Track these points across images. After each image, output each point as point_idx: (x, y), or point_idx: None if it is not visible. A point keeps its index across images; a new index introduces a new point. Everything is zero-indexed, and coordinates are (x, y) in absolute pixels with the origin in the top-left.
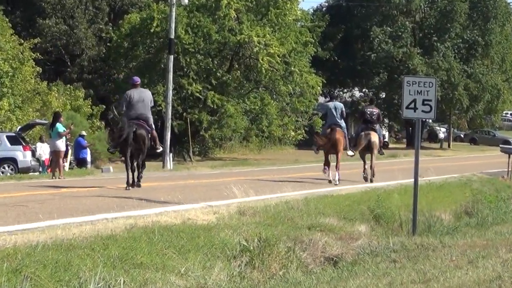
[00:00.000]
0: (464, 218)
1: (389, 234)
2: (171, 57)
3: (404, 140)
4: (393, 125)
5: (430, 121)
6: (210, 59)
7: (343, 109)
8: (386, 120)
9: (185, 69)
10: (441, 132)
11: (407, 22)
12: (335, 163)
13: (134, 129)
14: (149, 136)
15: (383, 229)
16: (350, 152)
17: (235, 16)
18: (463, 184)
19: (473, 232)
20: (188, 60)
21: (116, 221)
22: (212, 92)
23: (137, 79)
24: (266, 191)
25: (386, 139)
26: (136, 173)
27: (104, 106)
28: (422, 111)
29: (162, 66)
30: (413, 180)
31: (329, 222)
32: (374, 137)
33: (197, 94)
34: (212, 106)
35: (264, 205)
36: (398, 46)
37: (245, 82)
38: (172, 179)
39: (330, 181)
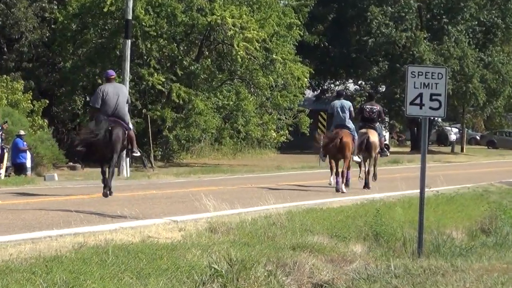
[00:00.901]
0: (480, 236)
1: (389, 255)
2: (128, 42)
3: (408, 143)
4: (395, 125)
5: (440, 120)
6: (175, 45)
7: (352, 108)
8: (386, 119)
9: (145, 57)
10: (453, 133)
11: (411, 1)
12: (341, 170)
13: (110, 127)
14: (126, 136)
15: (383, 250)
16: (356, 158)
17: None
18: (479, 196)
19: (491, 253)
20: (149, 45)
21: (61, 239)
22: (178, 85)
23: (112, 73)
24: (242, 204)
25: (387, 142)
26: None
27: (48, 101)
28: (430, 108)
29: (118, 52)
30: (418, 191)
31: (318, 241)
32: (373, 136)
33: (159, 87)
34: (178, 101)
35: (239, 220)
36: (401, 29)
37: (217, 72)
38: (130, 189)
39: (337, 190)
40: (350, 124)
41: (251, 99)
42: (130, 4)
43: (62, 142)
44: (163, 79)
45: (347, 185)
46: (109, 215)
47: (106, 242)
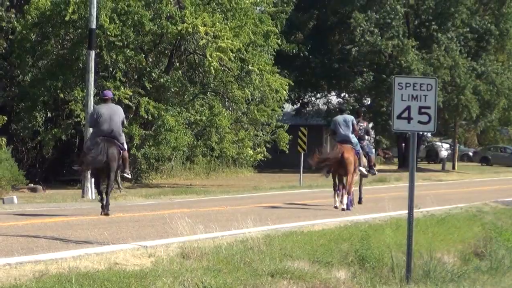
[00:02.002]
0: (473, 260)
1: (376, 282)
2: (92, 53)
3: (395, 160)
4: (381, 141)
5: (429, 135)
6: (143, 56)
7: (354, 122)
8: (372, 134)
9: (111, 69)
10: (444, 149)
11: (398, 6)
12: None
13: (106, 147)
14: (120, 156)
15: (369, 276)
16: (362, 169)
17: None
18: (472, 216)
19: (485, 279)
20: (114, 56)
21: (21, 267)
22: (146, 99)
23: (108, 93)
24: (217, 227)
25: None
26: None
27: (6, 118)
28: (419, 122)
29: (81, 64)
30: (407, 211)
31: (299, 267)
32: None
33: (126, 101)
34: (146, 116)
35: (214, 245)
36: (386, 37)
37: (188, 85)
38: (95, 212)
39: (336, 207)
40: (353, 139)
41: (225, 114)
42: (94, 12)
43: (22, 162)
44: (130, 93)
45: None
46: (73, 241)
47: (70, 269)
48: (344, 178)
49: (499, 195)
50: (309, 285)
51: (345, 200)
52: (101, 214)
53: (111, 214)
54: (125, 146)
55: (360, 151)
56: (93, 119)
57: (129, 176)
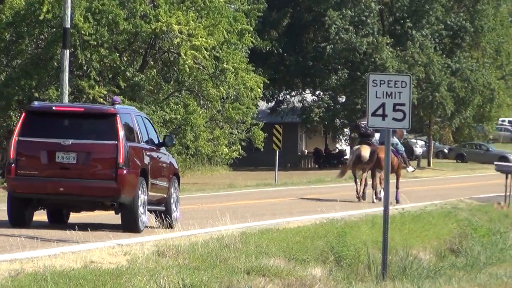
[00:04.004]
0: (449, 257)
1: (352, 278)
2: (67, 52)
3: None
4: (356, 138)
5: (404, 132)
6: (118, 55)
7: None
8: (346, 132)
9: (85, 68)
10: (419, 146)
11: (373, 4)
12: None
13: None
14: None
15: (345, 273)
16: (410, 168)
17: None
18: (447, 213)
19: (460, 275)
20: (89, 56)
21: None
22: (121, 97)
23: (117, 99)
24: (192, 225)
25: (347, 156)
26: None
27: None
28: (393, 119)
29: (55, 64)
30: (382, 209)
31: (274, 264)
32: (364, 151)
33: (101, 100)
34: None
35: (189, 243)
36: (361, 34)
37: (163, 83)
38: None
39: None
40: (394, 139)
41: (200, 112)
42: (68, 11)
43: None
44: (105, 92)
45: (378, 198)
46: (49, 239)
47: (45, 268)
48: (377, 174)
49: (474, 191)
50: (285, 282)
51: (378, 194)
52: None
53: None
54: None
55: (400, 150)
56: None
57: None
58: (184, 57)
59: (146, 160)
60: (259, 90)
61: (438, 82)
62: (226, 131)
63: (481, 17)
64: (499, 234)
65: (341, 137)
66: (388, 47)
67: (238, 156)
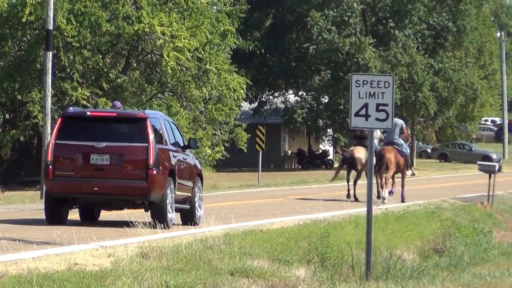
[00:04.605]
0: (432, 257)
1: (336, 279)
2: (49, 54)
3: None
4: (339, 138)
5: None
6: (100, 56)
7: (403, 126)
8: (329, 132)
9: (68, 70)
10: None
11: (355, 4)
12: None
13: None
14: None
15: (329, 273)
16: (409, 172)
17: None
18: (430, 213)
19: (444, 275)
20: (72, 57)
21: None
22: (104, 99)
23: (118, 104)
24: (176, 227)
25: (331, 157)
26: None
27: None
28: (376, 119)
29: (38, 66)
30: (365, 209)
31: (258, 265)
32: (358, 153)
33: (84, 102)
34: None
35: (173, 244)
36: (344, 35)
37: (146, 85)
38: None
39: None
40: (399, 140)
41: (183, 114)
42: (51, 13)
43: None
44: (88, 94)
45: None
46: (32, 241)
47: (29, 270)
48: (384, 174)
49: (458, 191)
50: (269, 283)
51: (386, 193)
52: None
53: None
54: None
55: (406, 152)
56: None
57: None
58: (166, 58)
59: (173, 161)
60: (242, 91)
61: (421, 82)
62: (209, 132)
63: (463, 17)
64: (482, 234)
65: (324, 137)
66: (370, 47)
67: (221, 157)
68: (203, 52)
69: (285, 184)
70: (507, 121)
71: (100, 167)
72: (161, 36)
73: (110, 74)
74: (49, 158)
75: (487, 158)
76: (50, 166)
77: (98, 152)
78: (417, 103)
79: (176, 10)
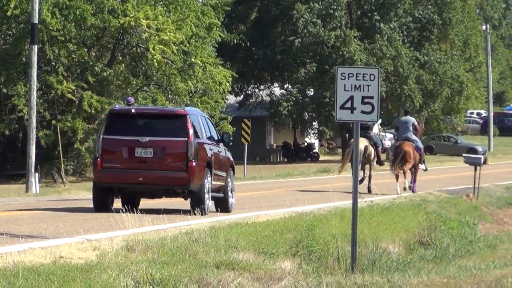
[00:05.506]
0: (418, 249)
1: (321, 271)
2: (35, 47)
3: (339, 151)
4: (324, 131)
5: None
6: (86, 50)
7: (415, 123)
8: (315, 125)
9: (53, 63)
10: (387, 139)
11: None
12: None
13: None
14: None
15: (315, 266)
16: (422, 166)
17: None
18: (416, 206)
19: (430, 267)
20: (57, 51)
21: None
22: (89, 92)
23: (131, 100)
24: (162, 220)
25: (316, 150)
26: None
27: None
28: (362, 111)
29: (24, 59)
30: (351, 201)
31: (244, 258)
32: (361, 144)
33: (69, 95)
34: (90, 110)
35: (158, 237)
36: (329, 28)
37: (131, 78)
38: (39, 206)
39: (406, 189)
40: (412, 136)
41: (169, 107)
42: (36, 6)
43: None
44: (73, 87)
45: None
46: (17, 235)
47: (15, 264)
48: (404, 167)
49: (443, 184)
50: (255, 276)
51: (407, 184)
52: None
53: (55, 207)
54: None
55: (420, 146)
56: None
57: None
58: (152, 51)
59: (210, 154)
60: (227, 84)
61: (406, 74)
62: None
63: (449, 9)
64: (468, 227)
65: (309, 130)
66: (356, 40)
67: None
68: (188, 45)
69: (271, 177)
70: (493, 113)
71: (144, 159)
72: (147, 29)
73: (96, 68)
74: (98, 152)
75: (472, 150)
76: (99, 159)
77: (142, 146)
78: (402, 95)
79: (161, 3)
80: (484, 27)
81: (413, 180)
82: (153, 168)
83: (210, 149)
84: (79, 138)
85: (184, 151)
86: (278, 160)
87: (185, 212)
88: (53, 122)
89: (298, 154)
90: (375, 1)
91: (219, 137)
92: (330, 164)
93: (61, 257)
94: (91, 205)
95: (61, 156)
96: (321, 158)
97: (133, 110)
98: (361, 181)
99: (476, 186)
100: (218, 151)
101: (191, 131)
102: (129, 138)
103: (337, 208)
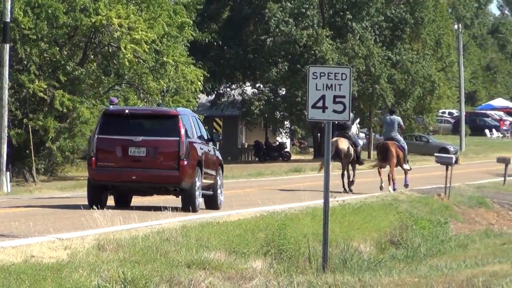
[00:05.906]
0: (389, 249)
1: (292, 271)
2: (7, 46)
3: (311, 150)
4: (296, 130)
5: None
6: (57, 49)
7: (401, 123)
8: (287, 124)
9: (25, 62)
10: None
11: None
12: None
13: None
14: None
15: (286, 265)
16: (406, 166)
17: None
18: (387, 205)
19: (401, 267)
20: (29, 50)
21: None
22: (61, 91)
23: (114, 100)
24: (134, 219)
25: (288, 149)
26: None
27: None
28: (334, 111)
29: None
30: (322, 201)
31: (215, 258)
32: (342, 144)
33: (41, 94)
34: (61, 109)
35: (130, 236)
36: (301, 27)
37: (103, 77)
38: (10, 205)
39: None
40: (397, 136)
41: (140, 106)
42: (8, 5)
43: None
44: (45, 86)
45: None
46: None
47: None
48: (387, 166)
49: (415, 183)
50: (226, 275)
51: (391, 184)
52: None
53: (26, 206)
54: None
55: (405, 146)
56: None
57: None
58: (124, 50)
59: (200, 153)
60: (199, 83)
61: (378, 74)
62: None
63: (421, 8)
64: (439, 226)
65: (281, 129)
66: (328, 39)
67: None
68: (160, 44)
69: (242, 176)
70: (464, 113)
71: (137, 158)
72: (119, 28)
73: (67, 67)
74: (93, 151)
75: (444, 150)
76: (93, 158)
77: (136, 145)
78: (374, 95)
79: (133, 2)
80: (456, 26)
81: (405, 178)
82: (146, 166)
83: (200, 148)
84: (50, 137)
85: (176, 150)
86: (250, 159)
87: (156, 209)
88: (25, 121)
89: (270, 153)
90: (347, 0)
91: (209, 137)
92: (302, 164)
93: (32, 256)
94: (63, 204)
95: (33, 155)
96: (293, 157)
97: (126, 111)
98: (352, 182)
99: (448, 185)
100: (208, 150)
101: (182, 131)
102: (123, 137)
103: (308, 208)
